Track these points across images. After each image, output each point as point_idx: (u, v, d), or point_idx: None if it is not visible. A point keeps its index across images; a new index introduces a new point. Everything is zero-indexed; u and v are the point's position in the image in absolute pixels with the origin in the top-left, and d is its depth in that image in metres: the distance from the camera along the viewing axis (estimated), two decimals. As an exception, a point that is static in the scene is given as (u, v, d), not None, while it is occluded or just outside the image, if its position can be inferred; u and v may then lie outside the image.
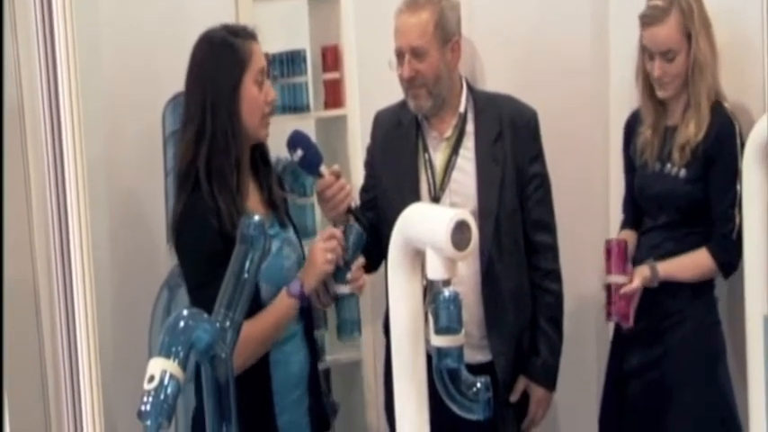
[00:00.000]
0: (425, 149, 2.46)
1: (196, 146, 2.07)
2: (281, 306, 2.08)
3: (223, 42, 2.09)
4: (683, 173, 2.49)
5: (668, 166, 2.52)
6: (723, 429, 2.49)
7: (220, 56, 2.08)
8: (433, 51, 2.36)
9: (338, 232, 2.16)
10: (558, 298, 2.51)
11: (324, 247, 2.11)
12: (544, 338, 2.49)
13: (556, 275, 2.51)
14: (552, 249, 2.51)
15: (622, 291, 2.47)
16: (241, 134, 2.08)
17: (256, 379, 2.07)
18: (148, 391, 1.38)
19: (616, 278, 2.50)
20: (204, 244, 2.03)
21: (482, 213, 2.37)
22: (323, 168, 2.19)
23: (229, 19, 2.51)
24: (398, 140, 2.48)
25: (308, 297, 2.11)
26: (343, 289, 2.20)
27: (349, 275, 2.18)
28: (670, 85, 2.49)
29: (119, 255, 2.69)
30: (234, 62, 2.07)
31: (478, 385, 1.46)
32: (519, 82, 2.82)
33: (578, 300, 2.90)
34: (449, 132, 2.45)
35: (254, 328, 1.95)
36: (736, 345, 2.43)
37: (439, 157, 2.45)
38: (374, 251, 2.34)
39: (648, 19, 2.46)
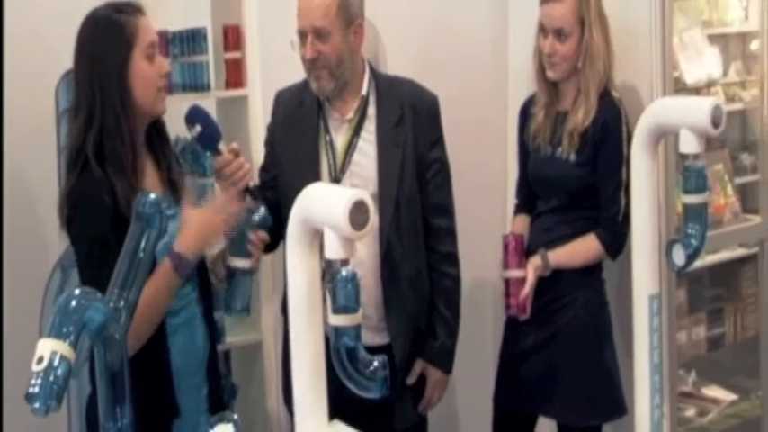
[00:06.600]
0: (327, 131, 2.45)
1: (86, 129, 2.02)
2: (161, 277, 1.97)
3: (108, 20, 2.03)
4: (573, 157, 2.57)
5: (559, 150, 2.60)
6: (609, 405, 2.59)
7: (105, 35, 2.03)
8: (336, 33, 2.35)
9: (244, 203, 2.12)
10: (455, 281, 2.53)
11: (227, 214, 2.08)
12: (441, 321, 2.51)
13: (454, 259, 2.53)
14: (450, 233, 2.53)
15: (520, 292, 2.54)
16: (134, 113, 2.04)
17: (154, 362, 2.03)
18: (37, 373, 1.34)
19: (513, 273, 2.57)
20: (98, 224, 1.97)
21: (382, 197, 2.38)
22: (221, 145, 2.16)
23: (127, -6, 2.44)
24: (300, 121, 2.46)
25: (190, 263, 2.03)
26: (242, 263, 2.16)
27: (250, 247, 2.15)
28: (558, 67, 2.57)
29: (8, 235, 2.61)
30: (120, 40, 2.02)
31: (375, 364, 1.47)
32: (420, 66, 2.84)
33: (476, 283, 2.95)
34: (350, 114, 2.45)
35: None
36: (623, 323, 2.51)
37: (340, 138, 2.44)
38: (273, 231, 2.33)
39: None
